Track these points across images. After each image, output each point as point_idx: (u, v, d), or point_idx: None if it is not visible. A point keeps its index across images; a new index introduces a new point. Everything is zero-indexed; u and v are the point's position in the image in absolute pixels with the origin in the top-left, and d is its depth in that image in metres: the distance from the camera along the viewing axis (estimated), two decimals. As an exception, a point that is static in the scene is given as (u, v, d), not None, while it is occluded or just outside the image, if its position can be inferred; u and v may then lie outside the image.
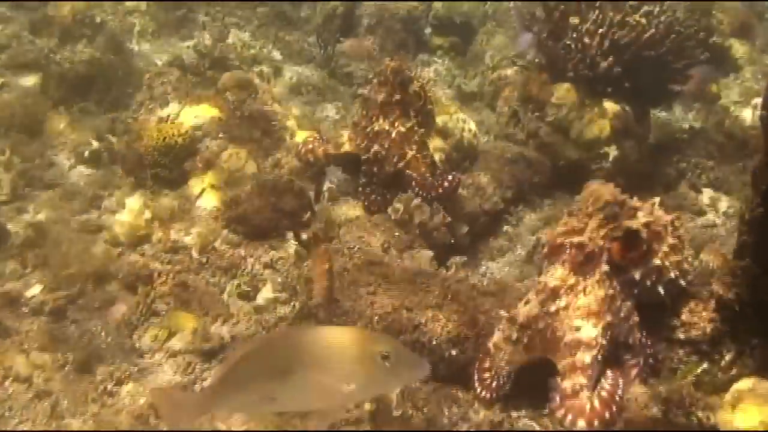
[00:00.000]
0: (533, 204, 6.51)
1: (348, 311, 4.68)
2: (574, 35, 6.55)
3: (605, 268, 4.13)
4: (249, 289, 5.20)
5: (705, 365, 4.15)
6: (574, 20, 6.53)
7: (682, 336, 4.26)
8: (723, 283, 4.21)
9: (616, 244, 4.13)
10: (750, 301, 4.08)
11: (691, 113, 7.94)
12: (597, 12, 6.43)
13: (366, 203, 5.70)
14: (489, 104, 8.20)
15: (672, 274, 4.17)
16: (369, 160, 5.68)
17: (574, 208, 4.35)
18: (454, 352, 4.41)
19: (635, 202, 4.29)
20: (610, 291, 4.10)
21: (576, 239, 4.21)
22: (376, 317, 4.59)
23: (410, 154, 5.60)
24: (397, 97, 5.59)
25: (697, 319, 4.26)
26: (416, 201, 5.40)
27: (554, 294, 4.18)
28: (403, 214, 5.37)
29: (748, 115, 7.41)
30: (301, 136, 6.37)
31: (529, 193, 6.54)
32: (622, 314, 4.11)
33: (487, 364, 4.29)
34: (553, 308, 4.17)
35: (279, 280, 5.31)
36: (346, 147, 5.80)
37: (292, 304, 5.11)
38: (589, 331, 4.04)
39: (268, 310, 5.09)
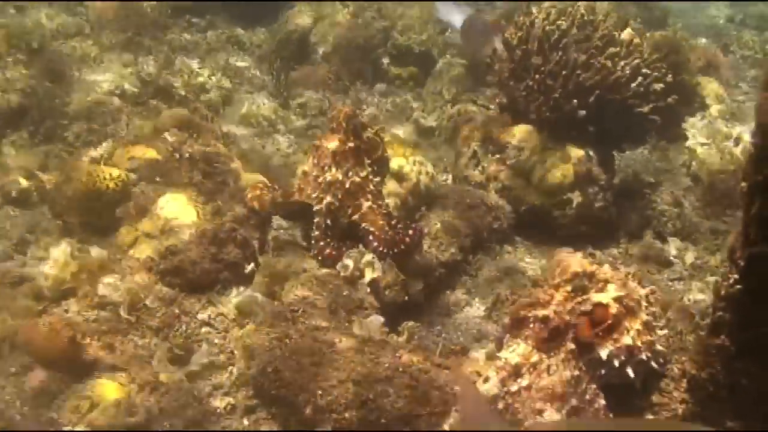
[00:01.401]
0: (493, 253, 6.15)
1: (289, 383, 4.29)
2: (537, 76, 6.22)
3: (571, 346, 3.81)
4: (182, 352, 4.75)
5: (675, 451, 3.84)
6: (537, 60, 6.21)
7: (651, 418, 3.96)
8: (696, 361, 3.92)
9: (583, 319, 3.80)
10: (724, 382, 3.79)
11: (656, 155, 7.66)
12: (560, 53, 6.11)
13: (320, 258, 5.26)
14: (448, 140, 7.85)
15: (644, 356, 3.84)
16: (321, 212, 5.27)
17: (540, 278, 4.04)
18: (404, 432, 4.04)
19: (607, 272, 3.96)
20: (576, 372, 3.78)
21: (540, 313, 3.88)
22: (320, 391, 4.20)
23: (366, 205, 5.20)
24: (351, 144, 5.19)
25: (668, 399, 3.99)
26: (368, 257, 5.00)
27: (516, 372, 3.86)
28: (353, 271, 4.96)
29: (715, 159, 7.13)
30: (246, 179, 5.94)
31: (489, 241, 6.18)
32: (587, 397, 3.79)
33: None
34: (514, 388, 3.85)
35: (216, 341, 4.88)
36: (296, 196, 5.38)
37: (229, 369, 4.68)
38: (552, 416, 3.70)
39: (203, 376, 4.65)
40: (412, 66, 9.17)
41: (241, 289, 5.33)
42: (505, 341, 4.00)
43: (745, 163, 3.43)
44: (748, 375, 3.70)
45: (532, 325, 3.89)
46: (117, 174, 5.62)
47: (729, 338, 3.72)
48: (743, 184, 3.43)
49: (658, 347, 3.93)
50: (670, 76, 6.43)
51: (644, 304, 3.92)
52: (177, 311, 5.03)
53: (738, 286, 3.58)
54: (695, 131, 7.51)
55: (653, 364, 3.89)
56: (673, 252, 6.27)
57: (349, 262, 4.98)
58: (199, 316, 5.06)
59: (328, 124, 5.36)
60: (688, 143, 7.41)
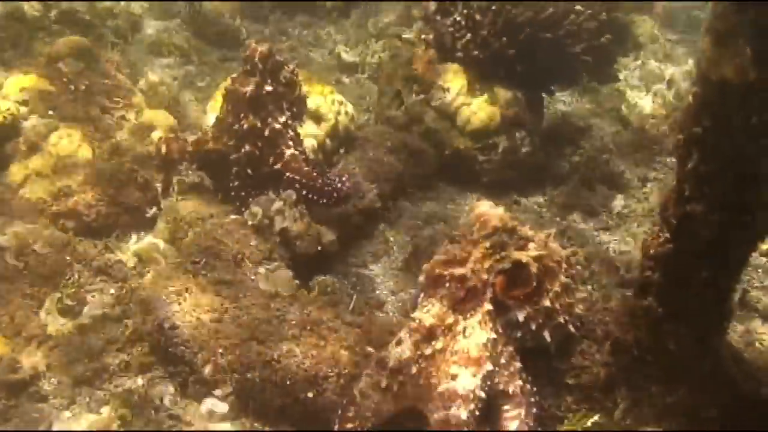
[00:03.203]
0: (414, 199, 5.86)
1: (188, 340, 3.96)
2: (465, 11, 5.86)
3: (488, 307, 3.54)
4: (74, 302, 4.36)
5: (596, 417, 3.64)
6: (466, -6, 5.83)
7: (571, 381, 3.76)
8: (620, 323, 3.71)
9: (501, 278, 3.53)
10: (650, 345, 3.58)
11: (586, 99, 7.40)
12: (491, -14, 5.75)
13: (243, 209, 4.88)
14: (371, 77, 7.47)
15: (561, 319, 3.60)
16: (240, 161, 4.87)
17: (458, 234, 3.73)
18: (310, 394, 3.76)
19: (527, 230, 3.68)
20: (493, 335, 3.51)
21: (457, 271, 3.59)
22: (221, 350, 3.88)
23: (288, 153, 4.82)
24: (268, 88, 4.77)
25: (589, 362, 3.76)
26: (278, 204, 4.64)
27: (430, 334, 3.57)
28: (262, 219, 4.61)
29: (647, 103, 6.91)
30: (149, 115, 5.47)
31: (410, 186, 5.88)
32: (503, 360, 3.54)
33: (351, 414, 3.64)
34: (428, 351, 3.57)
35: (112, 291, 4.50)
36: (211, 145, 4.96)
37: (123, 323, 4.32)
38: (467, 381, 3.46)
39: (95, 330, 4.28)
40: (338, -4, 8.66)
41: (142, 234, 4.98)
42: (419, 301, 3.71)
43: (682, 114, 3.16)
44: (675, 338, 3.50)
45: (448, 284, 3.60)
46: (6, 107, 5.11)
47: (657, 300, 3.51)
48: (679, 136, 3.17)
49: (577, 310, 3.69)
50: (604, 13, 6.12)
51: (564, 265, 3.66)
52: (69, 258, 4.63)
53: (669, 246, 3.36)
54: (627, 72, 7.27)
55: (570, 327, 3.65)
56: (599, 200, 6.05)
57: (257, 210, 4.62)
58: (94, 264, 4.66)
59: (243, 64, 4.92)
60: (619, 85, 7.17)
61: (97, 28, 7.26)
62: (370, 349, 3.84)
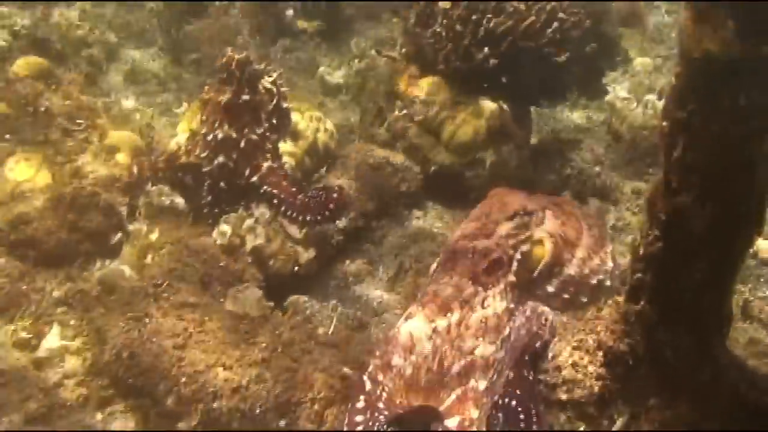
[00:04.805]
0: (399, 218, 5.59)
1: (148, 369, 3.67)
2: (445, 21, 5.65)
3: (512, 278, 3.48)
4: (30, 335, 4.09)
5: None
6: (445, 4, 5.62)
7: (564, 396, 3.45)
8: (613, 331, 3.41)
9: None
10: (645, 354, 3.29)
11: (575, 112, 7.17)
12: (469, -6, 5.54)
13: (215, 227, 4.63)
14: (355, 98, 7.25)
15: (594, 280, 3.65)
16: (213, 174, 4.65)
17: (477, 212, 3.65)
18: (282, 423, 3.46)
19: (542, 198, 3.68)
20: (512, 304, 3.41)
21: (482, 243, 3.48)
22: (183, 378, 3.59)
23: (265, 165, 4.62)
24: (245, 97, 4.58)
25: (582, 375, 3.46)
26: (249, 222, 4.39)
27: (444, 306, 3.38)
28: (232, 238, 4.34)
29: (637, 114, 6.67)
30: (114, 137, 5.21)
31: (395, 205, 5.62)
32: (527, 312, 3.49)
33: (360, 405, 3.30)
34: (443, 324, 3.35)
35: (72, 322, 4.22)
36: (183, 159, 4.75)
37: (83, 356, 4.03)
38: (485, 350, 3.32)
39: (52, 364, 3.99)
40: (320, 19, 8.44)
41: (107, 262, 4.70)
42: (434, 275, 3.55)
43: (666, 99, 2.91)
44: (671, 346, 3.20)
45: (471, 256, 3.50)
46: (-39, 132, 4.88)
47: (650, 304, 3.22)
48: (664, 123, 2.92)
49: (609, 265, 3.74)
50: (588, 21, 5.91)
51: (585, 226, 3.68)
52: (26, 288, 4.36)
53: (659, 244, 3.08)
54: (617, 85, 7.04)
55: (608, 283, 3.70)
56: (593, 213, 5.78)
57: (227, 228, 4.36)
58: (55, 294, 4.39)
59: (219, 72, 4.72)
60: (609, 98, 6.93)
61: (70, 58, 7.06)
62: (346, 370, 3.56)
